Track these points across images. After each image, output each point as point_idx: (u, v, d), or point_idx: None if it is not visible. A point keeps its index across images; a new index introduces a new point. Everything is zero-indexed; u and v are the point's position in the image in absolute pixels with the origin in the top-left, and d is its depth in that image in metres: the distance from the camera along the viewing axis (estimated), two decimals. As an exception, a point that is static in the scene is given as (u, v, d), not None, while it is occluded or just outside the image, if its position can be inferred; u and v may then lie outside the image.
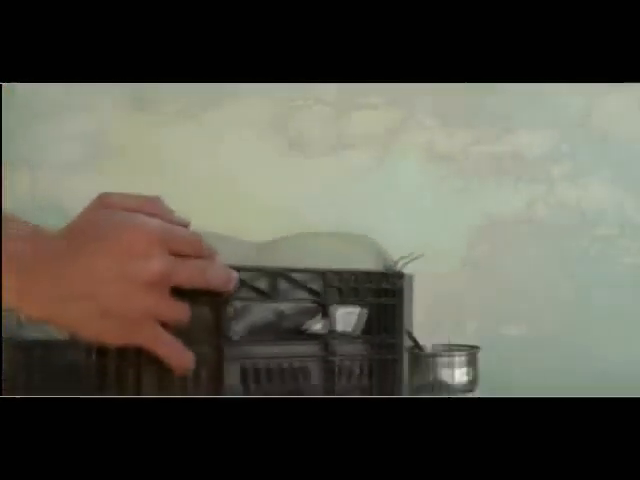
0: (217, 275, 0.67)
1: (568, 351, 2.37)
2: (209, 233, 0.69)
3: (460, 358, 1.89)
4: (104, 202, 0.69)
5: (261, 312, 0.69)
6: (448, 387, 1.77)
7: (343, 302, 0.76)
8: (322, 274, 0.76)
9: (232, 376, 0.72)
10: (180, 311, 0.66)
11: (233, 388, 0.69)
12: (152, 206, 0.71)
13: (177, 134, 2.39)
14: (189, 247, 0.67)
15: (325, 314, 0.73)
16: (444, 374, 1.85)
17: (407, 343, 1.94)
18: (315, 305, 0.72)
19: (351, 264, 0.82)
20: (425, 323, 2.48)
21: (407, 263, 0.80)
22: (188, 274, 0.65)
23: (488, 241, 2.39)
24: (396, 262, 0.80)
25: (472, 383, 1.89)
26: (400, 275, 0.84)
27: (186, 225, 0.72)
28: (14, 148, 2.38)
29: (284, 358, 0.73)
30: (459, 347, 1.95)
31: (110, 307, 0.62)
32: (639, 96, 2.36)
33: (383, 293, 0.81)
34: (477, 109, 2.38)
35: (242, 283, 0.67)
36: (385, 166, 2.39)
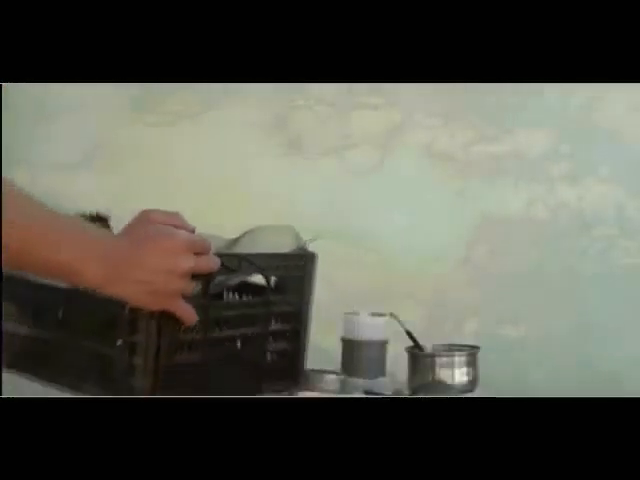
0: (213, 263, 1.02)
1: (567, 351, 2.37)
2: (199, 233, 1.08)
3: (460, 358, 1.89)
4: (146, 217, 1.02)
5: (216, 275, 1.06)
6: (448, 387, 1.77)
7: (276, 274, 1.14)
8: (267, 256, 1.15)
9: (213, 323, 1.07)
10: (192, 288, 0.99)
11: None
12: (177, 220, 1.03)
13: (176, 134, 2.38)
14: (201, 248, 1.00)
15: (267, 280, 1.13)
16: (444, 374, 1.85)
17: (408, 343, 1.94)
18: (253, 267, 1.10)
19: (282, 248, 1.24)
20: (425, 323, 2.48)
21: (311, 243, 1.27)
22: (202, 266, 1.00)
23: (488, 241, 2.39)
24: (305, 243, 1.26)
25: (472, 383, 1.88)
26: (311, 255, 1.21)
27: (193, 230, 1.04)
28: (14, 148, 2.38)
29: (244, 308, 1.12)
30: (459, 347, 1.95)
31: (156, 289, 0.96)
32: (639, 96, 2.36)
33: (300, 267, 1.19)
34: (477, 109, 2.38)
35: (221, 264, 1.03)
36: (385, 166, 2.39)
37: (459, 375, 1.85)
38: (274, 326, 1.16)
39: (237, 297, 1.14)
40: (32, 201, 1.01)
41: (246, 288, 1.13)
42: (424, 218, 2.38)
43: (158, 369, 1.01)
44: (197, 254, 0.99)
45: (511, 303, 2.38)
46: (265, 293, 1.13)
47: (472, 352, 1.89)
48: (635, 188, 2.39)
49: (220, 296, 1.09)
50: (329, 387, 1.71)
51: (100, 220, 1.37)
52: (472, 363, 1.87)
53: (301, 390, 1.72)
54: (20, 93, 2.32)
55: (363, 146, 2.39)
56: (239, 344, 1.12)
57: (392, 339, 1.93)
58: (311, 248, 1.24)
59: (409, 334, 1.91)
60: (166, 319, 1.00)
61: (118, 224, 2.28)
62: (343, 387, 1.73)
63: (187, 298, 0.99)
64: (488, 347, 1.98)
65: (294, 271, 1.19)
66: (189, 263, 0.98)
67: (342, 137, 2.39)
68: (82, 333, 1.07)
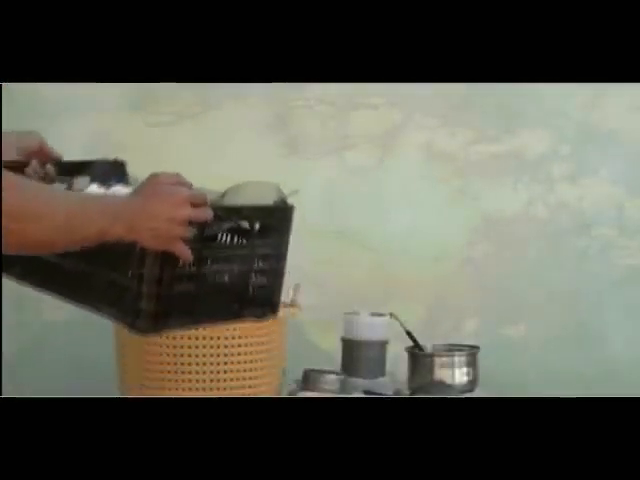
0: (208, 214, 1.23)
1: (567, 351, 2.37)
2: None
3: (460, 358, 1.89)
4: (154, 179, 1.24)
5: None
6: (448, 387, 1.77)
7: (261, 222, 1.36)
8: (252, 208, 1.39)
9: (206, 261, 1.31)
10: (190, 233, 1.22)
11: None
12: (178, 179, 1.24)
13: (177, 134, 2.39)
14: (199, 200, 1.22)
15: (252, 226, 1.35)
16: (444, 374, 1.85)
17: (408, 343, 1.94)
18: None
19: (266, 200, 1.46)
20: (425, 323, 2.48)
21: (290, 196, 1.49)
22: (198, 216, 1.22)
23: (488, 241, 2.40)
24: (286, 197, 1.48)
25: (472, 383, 1.89)
26: (290, 208, 1.42)
27: (190, 185, 1.25)
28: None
29: (232, 250, 1.35)
30: (459, 347, 1.95)
31: (160, 234, 1.19)
32: (639, 96, 2.36)
33: (280, 217, 1.41)
34: (477, 109, 2.38)
35: (214, 214, 1.26)
36: (385, 166, 2.39)
37: (459, 375, 1.86)
38: (256, 265, 1.38)
39: (229, 239, 1.35)
40: (56, 191, 1.25)
41: (237, 231, 1.36)
42: (424, 218, 2.38)
43: (160, 296, 1.25)
44: (195, 206, 1.21)
45: (511, 303, 2.38)
46: (251, 237, 1.36)
47: (472, 352, 1.89)
48: (635, 188, 2.39)
49: (215, 238, 1.33)
50: (329, 387, 1.72)
51: (118, 165, 1.58)
52: (472, 363, 1.88)
53: (301, 390, 1.72)
54: (20, 93, 2.32)
55: (363, 146, 2.39)
56: (227, 278, 1.36)
57: (392, 339, 1.94)
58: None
59: (409, 334, 1.92)
60: (167, 257, 1.23)
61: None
62: (343, 387, 1.73)
63: (185, 241, 1.21)
64: (488, 347, 1.98)
65: (275, 220, 1.40)
66: (186, 213, 1.20)
67: (342, 137, 2.39)
68: (102, 264, 1.29)
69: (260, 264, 1.39)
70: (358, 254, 2.37)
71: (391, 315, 1.91)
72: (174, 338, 1.57)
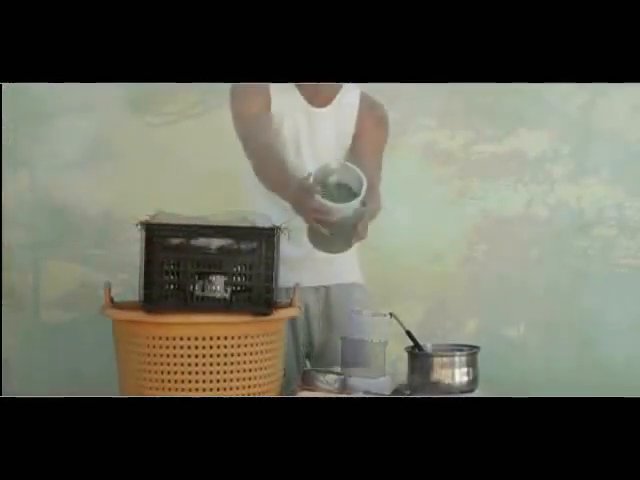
0: None
1: (567, 351, 2.37)
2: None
3: (460, 358, 1.88)
4: None
5: None
6: (448, 387, 1.77)
7: (244, 240, 1.62)
8: (238, 228, 1.62)
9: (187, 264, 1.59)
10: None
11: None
12: None
13: (177, 135, 2.38)
14: None
15: (238, 244, 1.61)
16: (444, 374, 1.85)
17: (408, 343, 1.94)
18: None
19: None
20: (425, 323, 2.48)
21: (284, 224, 1.64)
22: None
23: (488, 241, 2.40)
24: (280, 225, 1.63)
25: (472, 383, 1.88)
26: (274, 229, 1.62)
27: None
28: (14, 148, 2.38)
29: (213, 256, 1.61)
30: (459, 347, 1.95)
31: None
32: (639, 96, 2.36)
33: (265, 235, 1.62)
34: (477, 109, 2.38)
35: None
36: (385, 166, 2.39)
37: (459, 375, 1.85)
38: (238, 270, 1.61)
39: (214, 249, 1.60)
40: None
41: (225, 249, 1.61)
42: (424, 218, 2.38)
43: (149, 284, 1.55)
44: None
45: (511, 303, 2.38)
46: (232, 250, 1.61)
47: (472, 352, 1.89)
48: (635, 188, 2.39)
49: (202, 248, 1.59)
50: (329, 387, 1.71)
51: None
52: (472, 363, 1.87)
53: (302, 390, 1.72)
54: (20, 93, 2.32)
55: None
56: (213, 278, 1.60)
57: (392, 339, 1.94)
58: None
59: (409, 334, 1.91)
60: (150, 258, 1.57)
61: (119, 224, 2.28)
62: (343, 387, 1.73)
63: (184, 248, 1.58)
64: (488, 347, 1.98)
65: (258, 239, 1.61)
66: None
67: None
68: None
69: (242, 269, 1.61)
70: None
71: (391, 315, 1.91)
72: (173, 339, 1.57)
